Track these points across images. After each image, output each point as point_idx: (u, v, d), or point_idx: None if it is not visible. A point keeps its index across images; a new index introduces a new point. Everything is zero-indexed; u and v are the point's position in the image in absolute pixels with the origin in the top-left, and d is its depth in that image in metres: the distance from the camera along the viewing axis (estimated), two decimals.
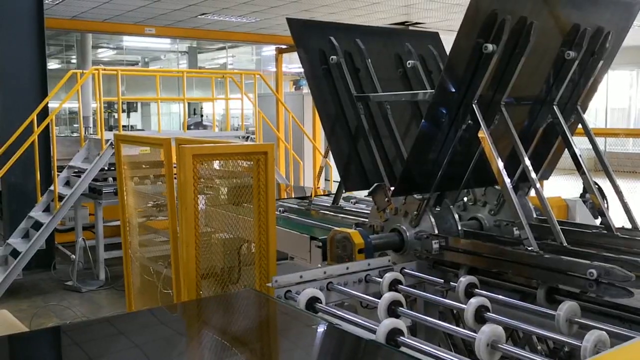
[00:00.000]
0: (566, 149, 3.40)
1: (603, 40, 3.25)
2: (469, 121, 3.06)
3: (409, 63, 3.98)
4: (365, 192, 3.77)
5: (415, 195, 3.31)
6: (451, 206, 3.40)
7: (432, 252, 3.03)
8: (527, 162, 3.06)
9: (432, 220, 3.25)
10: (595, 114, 21.36)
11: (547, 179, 3.80)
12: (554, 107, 3.32)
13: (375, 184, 3.55)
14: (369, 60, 3.89)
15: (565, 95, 3.35)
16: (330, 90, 3.82)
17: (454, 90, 3.00)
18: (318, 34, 3.90)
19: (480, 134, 3.03)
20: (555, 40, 3.14)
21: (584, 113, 3.50)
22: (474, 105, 3.00)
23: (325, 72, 3.83)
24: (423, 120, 3.15)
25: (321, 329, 2.20)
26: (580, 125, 3.54)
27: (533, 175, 3.05)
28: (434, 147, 3.16)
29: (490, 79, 3.02)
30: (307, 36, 3.89)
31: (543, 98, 3.32)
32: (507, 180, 2.94)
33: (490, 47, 2.90)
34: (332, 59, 3.80)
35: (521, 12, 2.88)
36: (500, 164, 2.95)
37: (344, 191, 4.60)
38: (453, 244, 3.01)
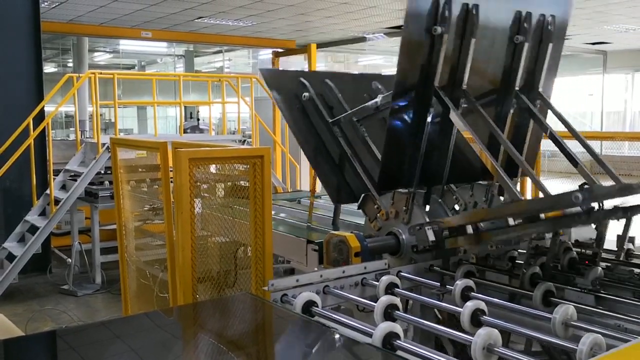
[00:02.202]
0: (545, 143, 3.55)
1: (547, 24, 3.39)
2: (433, 106, 3.16)
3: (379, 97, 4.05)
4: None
5: (401, 191, 3.34)
6: (439, 200, 3.41)
7: (429, 242, 3.03)
8: (508, 144, 3.10)
9: (423, 212, 3.27)
10: (591, 117, 21.44)
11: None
12: (518, 92, 3.40)
13: (363, 195, 3.58)
14: (340, 95, 4.12)
15: (526, 81, 3.44)
16: (306, 123, 4.03)
17: (413, 77, 3.10)
18: (289, 78, 4.20)
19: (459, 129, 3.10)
20: (503, 26, 3.28)
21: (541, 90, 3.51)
22: (436, 89, 3.10)
23: (300, 109, 4.06)
24: (390, 113, 3.21)
25: (318, 332, 2.19)
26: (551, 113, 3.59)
27: (515, 152, 3.08)
28: (407, 138, 3.22)
29: (449, 63, 3.18)
30: (279, 82, 4.18)
31: (505, 84, 3.40)
32: (495, 163, 2.94)
33: (439, 28, 3.06)
34: (304, 95, 4.02)
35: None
36: (482, 145, 2.97)
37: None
38: (446, 225, 3.01)
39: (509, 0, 3.27)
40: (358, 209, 3.67)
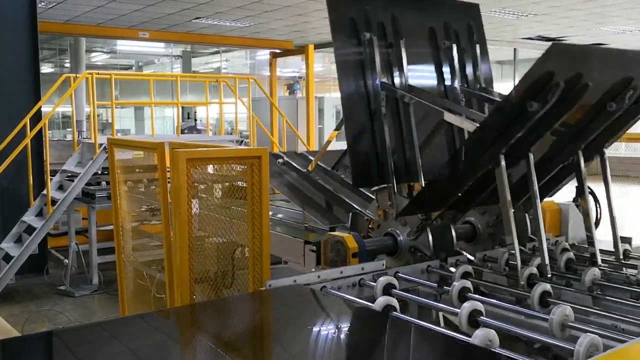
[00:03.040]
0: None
1: (467, 32, 3.57)
2: (384, 99, 3.39)
3: None
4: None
5: (381, 190, 3.45)
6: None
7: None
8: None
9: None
10: None
11: (551, 196, 3.79)
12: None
13: (350, 214, 3.64)
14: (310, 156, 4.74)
15: (467, 79, 3.64)
16: (287, 183, 4.62)
17: (357, 79, 3.38)
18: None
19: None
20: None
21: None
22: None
23: (279, 173, 4.68)
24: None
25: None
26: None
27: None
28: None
29: (387, 62, 3.57)
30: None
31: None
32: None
33: (367, 34, 3.52)
34: (278, 161, 4.58)
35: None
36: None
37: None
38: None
39: (424, 17, 3.46)
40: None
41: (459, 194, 3.17)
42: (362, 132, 3.54)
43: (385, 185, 3.56)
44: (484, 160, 2.94)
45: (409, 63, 3.67)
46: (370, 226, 3.53)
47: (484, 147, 2.90)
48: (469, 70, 4.00)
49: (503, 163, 2.86)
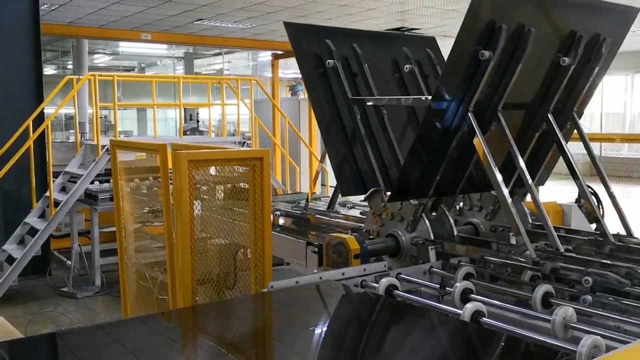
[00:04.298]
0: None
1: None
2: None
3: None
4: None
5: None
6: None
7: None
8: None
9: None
10: (590, 118, 21.42)
11: (542, 184, 3.81)
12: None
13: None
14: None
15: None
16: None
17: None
18: None
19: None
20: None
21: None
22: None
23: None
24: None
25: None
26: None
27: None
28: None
29: (352, 81, 3.70)
30: None
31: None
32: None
33: (331, 62, 3.75)
34: (275, 213, 4.55)
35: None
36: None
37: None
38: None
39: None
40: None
41: (441, 171, 3.19)
42: (342, 147, 3.79)
43: (374, 189, 3.58)
44: (454, 123, 3.03)
45: (375, 89, 3.92)
46: (370, 236, 3.53)
47: (450, 105, 3.01)
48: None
49: (474, 122, 2.98)
